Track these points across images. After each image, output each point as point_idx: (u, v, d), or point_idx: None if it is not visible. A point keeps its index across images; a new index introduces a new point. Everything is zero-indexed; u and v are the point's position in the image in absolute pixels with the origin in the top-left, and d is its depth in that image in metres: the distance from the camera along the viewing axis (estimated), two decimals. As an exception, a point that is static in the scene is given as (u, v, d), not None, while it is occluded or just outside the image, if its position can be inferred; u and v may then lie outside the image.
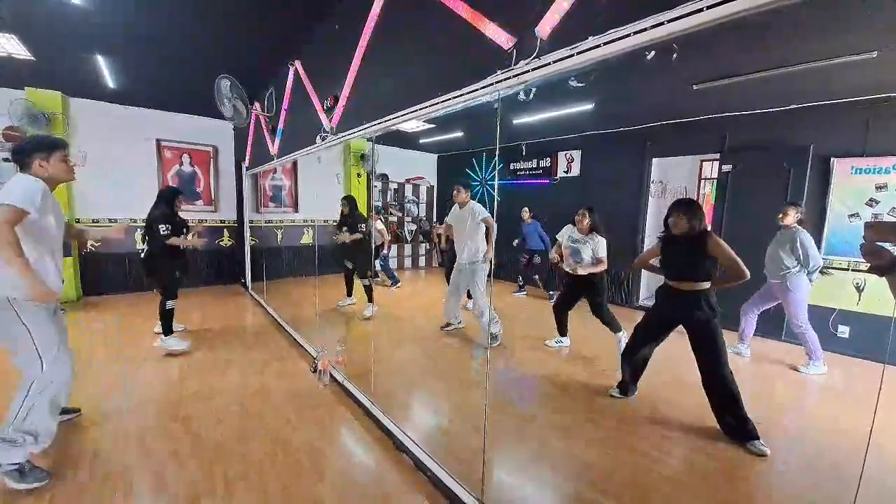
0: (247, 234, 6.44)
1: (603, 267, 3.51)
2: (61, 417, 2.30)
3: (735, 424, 2.39)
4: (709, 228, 2.59)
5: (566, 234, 3.70)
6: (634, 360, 2.86)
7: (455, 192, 3.95)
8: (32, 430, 1.88)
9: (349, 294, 5.31)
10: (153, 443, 2.28)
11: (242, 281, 6.68)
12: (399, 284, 6.51)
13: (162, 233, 3.49)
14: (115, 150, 5.65)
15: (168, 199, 3.70)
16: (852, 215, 3.92)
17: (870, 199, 3.82)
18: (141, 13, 3.25)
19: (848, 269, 3.95)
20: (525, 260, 6.05)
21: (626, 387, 2.92)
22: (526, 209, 6.07)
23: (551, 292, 5.72)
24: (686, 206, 2.55)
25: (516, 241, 6.16)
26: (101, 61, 4.18)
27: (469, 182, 4.10)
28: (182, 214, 3.84)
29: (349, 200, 5.07)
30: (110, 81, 4.75)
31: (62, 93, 5.17)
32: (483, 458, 1.91)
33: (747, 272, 2.38)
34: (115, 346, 3.78)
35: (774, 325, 4.06)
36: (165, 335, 3.66)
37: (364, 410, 2.66)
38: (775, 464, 2.26)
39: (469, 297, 4.37)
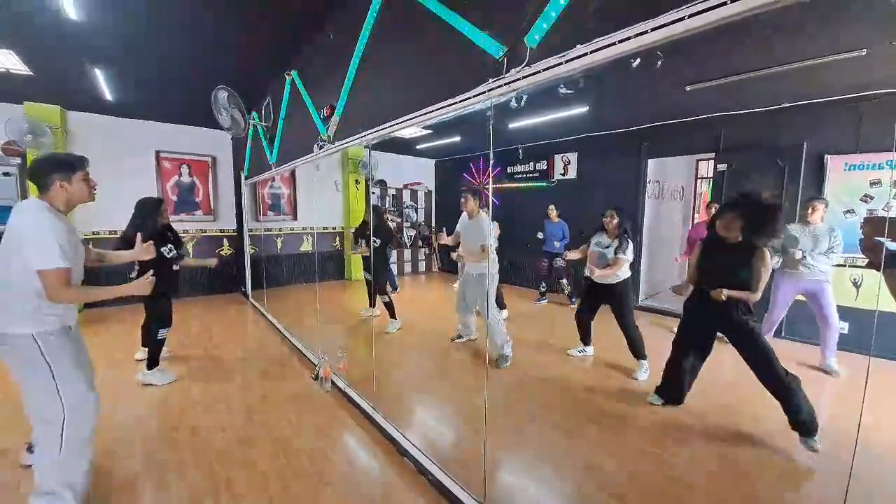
0: (246, 242, 6.46)
1: (620, 267, 3.31)
2: None
3: (806, 423, 2.29)
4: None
5: (594, 241, 3.52)
6: (679, 375, 2.73)
7: (463, 200, 3.68)
8: (67, 480, 1.77)
9: (372, 304, 5.00)
10: (157, 450, 2.30)
11: (243, 289, 6.70)
12: (396, 290, 6.51)
13: (168, 256, 3.09)
14: (113, 162, 5.68)
15: (153, 211, 3.14)
16: (847, 211, 3.93)
17: (864, 195, 3.84)
18: (138, 26, 3.29)
19: (845, 265, 3.96)
20: (545, 264, 5.68)
21: (673, 396, 2.79)
22: (552, 206, 5.67)
23: (573, 299, 5.46)
24: (746, 206, 2.39)
25: (540, 234, 5.72)
26: (99, 74, 4.23)
27: (478, 189, 3.81)
28: (176, 225, 3.56)
29: (377, 211, 4.83)
30: (108, 94, 4.79)
31: (60, 106, 5.21)
32: (484, 461, 1.92)
33: (759, 296, 2.37)
34: (118, 356, 3.80)
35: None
36: (150, 368, 3.21)
37: (366, 416, 2.67)
38: (782, 465, 2.27)
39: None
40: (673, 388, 2.79)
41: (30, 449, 2.11)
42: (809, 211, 3.41)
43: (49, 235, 1.68)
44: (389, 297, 4.67)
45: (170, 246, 3.16)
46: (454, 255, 3.79)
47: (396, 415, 2.62)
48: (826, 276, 3.37)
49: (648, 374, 3.29)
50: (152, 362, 3.23)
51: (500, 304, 4.66)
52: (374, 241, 4.48)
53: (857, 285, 3.88)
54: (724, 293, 2.39)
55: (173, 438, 2.43)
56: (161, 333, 3.22)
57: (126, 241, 2.94)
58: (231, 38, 3.57)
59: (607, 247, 3.40)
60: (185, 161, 6.35)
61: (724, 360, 3.67)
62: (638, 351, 3.37)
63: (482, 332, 4.12)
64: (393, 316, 4.66)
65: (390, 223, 5.62)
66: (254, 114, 5.15)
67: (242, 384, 3.22)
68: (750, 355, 2.39)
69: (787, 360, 3.57)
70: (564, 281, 5.64)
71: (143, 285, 2.00)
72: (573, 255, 3.62)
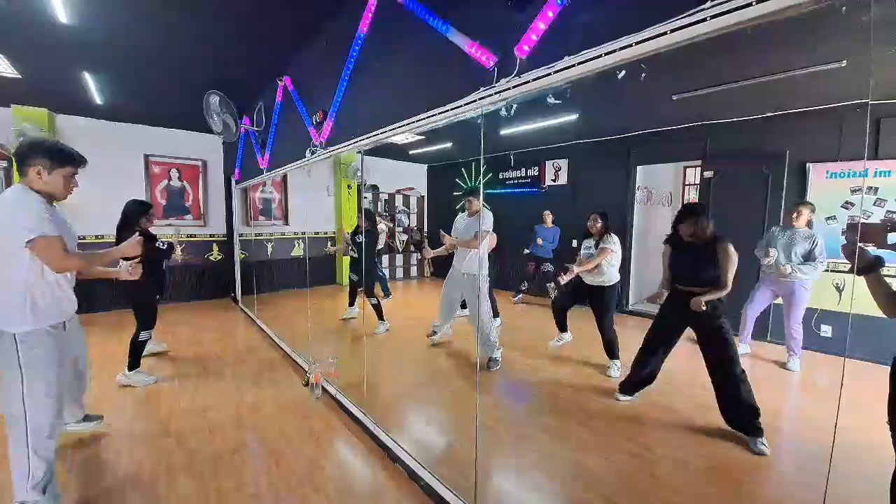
0: (237, 247, 6.42)
1: (605, 256, 3.43)
2: (84, 426, 2.41)
3: (745, 420, 2.43)
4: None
5: (584, 245, 3.68)
6: (644, 369, 2.84)
7: (468, 203, 3.74)
8: (41, 468, 1.78)
9: (351, 304, 5.19)
10: (146, 458, 2.27)
11: (232, 295, 6.65)
12: (389, 296, 6.52)
13: (162, 248, 3.23)
14: (102, 166, 5.60)
15: (138, 215, 3.23)
16: (829, 218, 4.04)
17: (846, 202, 3.95)
18: (128, 30, 3.28)
19: (828, 270, 4.06)
20: (531, 267, 5.76)
21: (629, 388, 2.92)
22: (548, 212, 5.72)
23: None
24: (692, 213, 2.58)
25: (540, 240, 5.71)
26: (89, 78, 4.20)
27: (478, 190, 3.88)
28: (168, 229, 3.74)
29: (369, 215, 4.90)
30: (97, 98, 4.75)
31: (48, 110, 5.16)
32: (475, 465, 1.93)
33: (729, 288, 2.47)
34: (105, 361, 3.74)
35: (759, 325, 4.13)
36: (131, 369, 3.21)
37: (357, 422, 2.67)
38: (772, 464, 2.31)
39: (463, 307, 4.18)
40: (634, 380, 2.91)
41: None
42: (794, 215, 3.52)
43: (33, 206, 1.68)
44: (377, 300, 4.74)
45: (162, 241, 3.27)
46: (447, 241, 3.75)
47: (388, 421, 2.62)
48: (802, 281, 3.48)
49: (620, 371, 3.43)
50: (134, 363, 3.24)
51: (495, 312, 4.68)
52: (358, 240, 4.61)
53: (839, 290, 3.98)
54: (703, 301, 2.46)
55: (162, 446, 2.40)
56: (143, 335, 3.27)
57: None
58: (223, 43, 3.57)
59: (592, 248, 3.58)
60: (175, 165, 6.30)
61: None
62: (613, 352, 3.52)
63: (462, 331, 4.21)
64: (381, 318, 4.71)
65: (380, 227, 5.66)
66: (245, 118, 5.15)
67: (232, 391, 3.19)
68: (715, 355, 2.50)
69: (765, 360, 3.69)
70: (552, 285, 5.63)
71: (136, 268, 2.18)
72: (579, 269, 3.52)
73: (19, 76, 4.02)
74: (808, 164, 4.11)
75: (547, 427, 2.71)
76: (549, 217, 5.69)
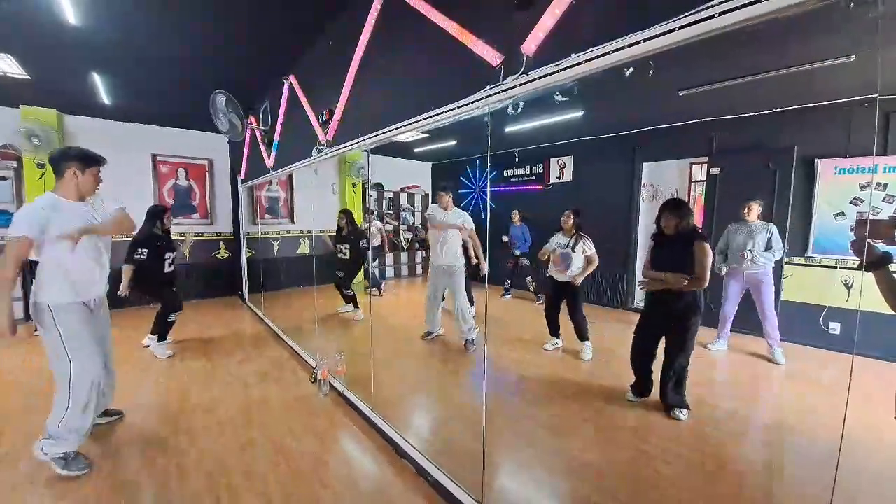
0: (243, 246, 6.46)
1: (595, 265, 3.66)
2: (104, 419, 2.55)
3: (676, 399, 2.70)
4: (699, 229, 2.73)
5: (554, 241, 3.85)
6: (641, 361, 2.91)
7: (439, 196, 4.10)
8: (73, 427, 2.11)
9: (347, 302, 5.37)
10: (157, 454, 2.31)
11: (240, 293, 6.70)
12: (381, 293, 6.65)
13: (135, 257, 3.60)
14: (110, 165, 5.61)
15: (153, 218, 3.78)
16: (838, 214, 4.01)
17: (854, 198, 3.92)
18: (136, 31, 3.31)
19: (836, 267, 4.03)
20: (511, 263, 6.03)
21: (641, 388, 2.94)
22: (516, 211, 6.07)
23: (540, 295, 5.73)
24: (674, 206, 2.69)
25: (505, 238, 6.11)
26: (97, 79, 4.24)
27: (448, 186, 4.19)
28: (176, 228, 3.97)
29: (346, 214, 5.21)
30: (105, 98, 4.79)
31: (57, 110, 5.21)
32: (483, 460, 1.95)
33: (706, 283, 2.57)
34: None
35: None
36: (159, 340, 3.86)
37: (364, 418, 2.69)
38: (774, 461, 2.31)
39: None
40: (640, 381, 2.95)
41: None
42: (746, 210, 3.72)
43: (32, 209, 2.01)
44: (352, 291, 5.23)
45: (143, 249, 3.64)
46: (433, 220, 4.03)
47: (394, 417, 2.64)
48: (766, 270, 3.64)
49: (592, 354, 3.72)
50: (161, 336, 3.90)
51: (469, 299, 4.78)
52: (343, 245, 5.16)
53: (848, 287, 3.95)
54: (685, 281, 2.56)
55: (173, 442, 2.43)
56: (172, 316, 3.91)
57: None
58: (230, 43, 3.59)
59: (567, 245, 3.73)
60: (183, 164, 6.35)
61: (714, 361, 3.74)
62: (582, 334, 3.76)
63: (447, 328, 4.42)
64: (356, 306, 5.24)
65: (386, 226, 5.92)
66: (252, 117, 5.17)
67: (240, 387, 3.23)
68: (676, 344, 2.67)
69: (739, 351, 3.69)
70: (529, 278, 6.06)
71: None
72: (544, 254, 3.90)
73: (28, 77, 4.06)
74: (816, 160, 4.08)
75: (551, 423, 2.72)
76: (516, 215, 6.06)
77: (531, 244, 5.83)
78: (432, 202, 8.77)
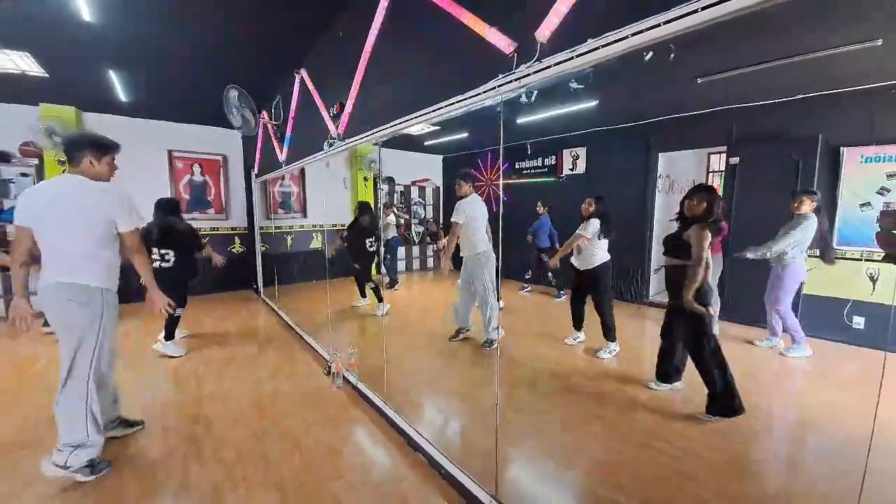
0: (257, 240, 6.54)
1: (575, 243, 3.62)
2: (127, 430, 2.44)
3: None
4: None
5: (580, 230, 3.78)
6: (669, 350, 2.89)
7: (458, 186, 3.85)
8: (97, 425, 2.05)
9: (362, 294, 5.41)
10: (177, 444, 2.36)
11: (255, 286, 6.79)
12: (397, 287, 6.64)
13: (204, 241, 3.79)
14: (127, 161, 5.71)
15: (176, 209, 3.87)
16: (864, 204, 3.87)
17: (881, 188, 3.77)
18: (151, 28, 3.34)
19: (861, 259, 3.90)
20: (536, 257, 5.89)
21: (668, 376, 2.91)
22: (540, 203, 5.88)
23: (562, 292, 5.67)
24: (695, 191, 2.71)
25: (530, 236, 5.94)
26: (114, 76, 4.30)
27: (468, 173, 3.96)
28: (194, 224, 4.06)
29: (362, 207, 5.19)
30: (122, 95, 4.86)
31: (76, 108, 5.31)
32: (496, 454, 1.94)
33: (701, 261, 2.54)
34: (134, 351, 3.88)
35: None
36: (167, 339, 3.77)
37: (377, 411, 2.70)
38: (788, 456, 2.26)
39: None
40: (664, 366, 2.92)
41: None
42: (796, 204, 3.49)
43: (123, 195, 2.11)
44: (376, 283, 5.16)
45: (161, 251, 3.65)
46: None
47: (408, 410, 2.65)
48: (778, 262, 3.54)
49: (612, 356, 3.59)
50: (170, 335, 3.79)
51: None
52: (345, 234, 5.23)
53: (873, 280, 3.82)
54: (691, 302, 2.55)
55: (192, 432, 2.48)
56: (178, 312, 3.77)
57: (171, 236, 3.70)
58: (241, 38, 3.61)
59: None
60: (197, 160, 6.43)
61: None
62: (610, 334, 3.64)
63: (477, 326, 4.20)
64: (380, 300, 5.13)
65: (399, 220, 5.91)
66: (264, 112, 5.20)
67: (256, 380, 3.27)
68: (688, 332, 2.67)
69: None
70: (551, 274, 5.87)
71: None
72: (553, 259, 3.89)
73: (46, 75, 4.14)
74: (841, 149, 3.93)
75: (564, 417, 2.70)
76: (540, 207, 5.86)
77: (557, 235, 5.71)
78: (444, 196, 8.79)
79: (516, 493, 1.96)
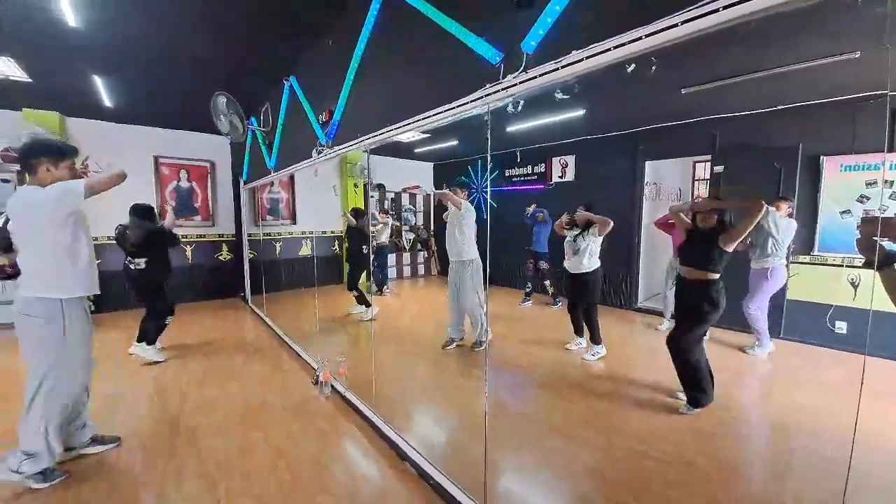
0: (245, 247, 6.46)
1: (607, 228, 3.62)
2: (100, 448, 2.34)
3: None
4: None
5: (568, 235, 3.86)
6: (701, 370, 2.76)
7: (452, 191, 3.96)
8: (51, 442, 1.98)
9: (360, 303, 5.32)
10: (156, 457, 2.29)
11: (242, 294, 6.70)
12: (386, 292, 6.63)
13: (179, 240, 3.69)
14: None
15: (150, 214, 3.76)
16: (844, 212, 3.96)
17: (860, 196, 3.87)
18: (137, 33, 3.30)
19: (842, 266, 3.98)
20: (531, 265, 5.82)
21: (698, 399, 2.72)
22: (545, 210, 5.70)
23: (558, 300, 5.67)
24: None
25: (529, 209, 5.83)
26: (99, 81, 4.24)
27: (463, 182, 4.11)
28: (180, 231, 4.00)
29: (356, 213, 5.30)
30: (107, 100, 4.80)
31: (60, 113, 5.22)
32: (485, 463, 1.92)
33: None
34: (114, 360, 3.78)
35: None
36: (149, 344, 3.70)
37: (366, 420, 2.67)
38: (778, 464, 2.28)
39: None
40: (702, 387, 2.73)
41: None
42: (774, 209, 3.59)
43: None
44: (359, 290, 5.16)
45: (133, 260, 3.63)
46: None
47: (396, 419, 2.62)
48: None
49: (596, 358, 3.69)
50: (150, 342, 3.72)
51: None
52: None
53: (854, 285, 3.90)
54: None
55: (172, 445, 2.42)
56: (168, 319, 3.82)
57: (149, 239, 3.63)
58: (230, 45, 3.59)
59: (574, 238, 3.76)
60: (184, 166, 6.36)
61: (730, 364, 3.70)
62: (596, 338, 3.77)
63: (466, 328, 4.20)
64: (366, 305, 5.13)
65: (382, 220, 5.97)
66: (252, 119, 5.17)
67: (241, 389, 3.22)
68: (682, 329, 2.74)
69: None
70: (548, 282, 5.86)
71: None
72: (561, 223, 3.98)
73: (30, 80, 4.07)
74: (821, 157, 4.03)
75: (554, 425, 2.69)
76: (539, 215, 5.71)
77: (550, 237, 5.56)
78: (434, 203, 8.78)
79: (505, 501, 1.95)
